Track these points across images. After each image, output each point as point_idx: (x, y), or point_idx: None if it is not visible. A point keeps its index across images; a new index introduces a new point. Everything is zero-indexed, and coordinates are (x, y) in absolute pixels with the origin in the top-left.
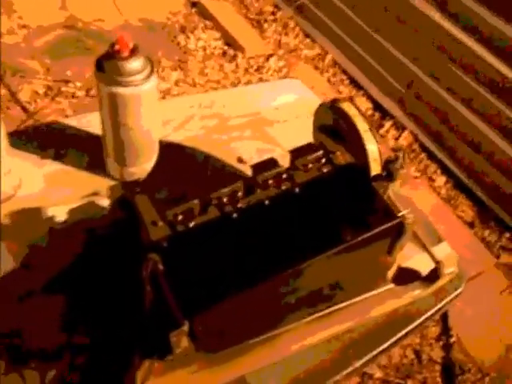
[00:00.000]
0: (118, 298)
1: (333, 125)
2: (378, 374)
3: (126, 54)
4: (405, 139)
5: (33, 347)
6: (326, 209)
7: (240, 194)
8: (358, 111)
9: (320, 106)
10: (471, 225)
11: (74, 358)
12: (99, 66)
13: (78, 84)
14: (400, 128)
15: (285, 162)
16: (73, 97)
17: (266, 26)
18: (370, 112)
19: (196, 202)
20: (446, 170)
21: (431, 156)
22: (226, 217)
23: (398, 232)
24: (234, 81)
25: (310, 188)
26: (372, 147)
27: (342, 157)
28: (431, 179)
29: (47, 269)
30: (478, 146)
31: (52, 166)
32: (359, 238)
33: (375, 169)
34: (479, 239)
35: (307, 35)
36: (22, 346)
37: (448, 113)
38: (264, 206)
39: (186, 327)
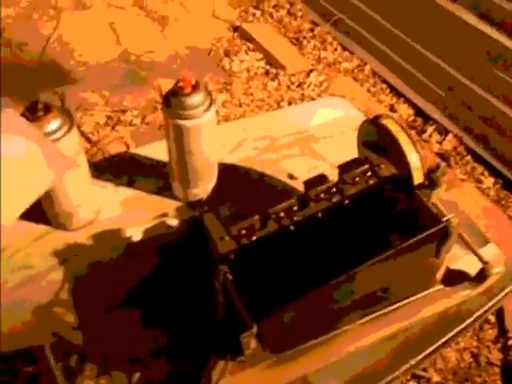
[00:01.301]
0: (192, 306)
1: (376, 140)
2: (436, 377)
3: (188, 90)
4: (449, 142)
5: (119, 353)
6: (375, 218)
7: (295, 208)
8: (399, 126)
9: (363, 122)
10: None
11: (157, 362)
12: (166, 101)
13: (135, 112)
14: (443, 132)
15: (333, 175)
16: (130, 125)
17: (304, 42)
18: (411, 118)
19: (256, 217)
20: (493, 171)
21: (477, 158)
22: (284, 229)
23: (443, 236)
24: (277, 98)
25: (358, 199)
26: (414, 158)
27: (386, 169)
28: (479, 181)
29: (126, 282)
30: None
31: (126, 192)
32: (407, 243)
33: (418, 178)
34: None
35: (345, 48)
36: (110, 353)
37: (491, 113)
38: (317, 218)
39: (254, 330)
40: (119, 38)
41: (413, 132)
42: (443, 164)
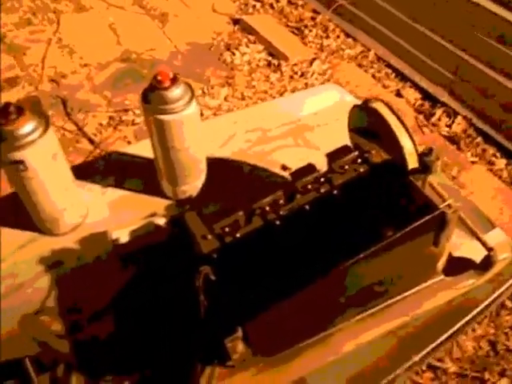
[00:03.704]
0: (177, 310)
1: (367, 125)
2: (453, 368)
3: (167, 84)
4: (458, 125)
5: (106, 363)
6: (367, 207)
7: (281, 201)
8: (390, 110)
9: (353, 107)
10: None
11: (144, 370)
12: (144, 97)
13: (137, 111)
14: (452, 115)
15: (326, 165)
16: (133, 124)
17: (306, 31)
18: (419, 102)
19: (241, 213)
20: (505, 152)
21: (488, 139)
22: (269, 225)
23: (440, 223)
24: (280, 89)
25: (348, 189)
26: (407, 142)
27: (378, 155)
28: (491, 163)
29: (111, 287)
30: None
31: (114, 194)
32: (400, 233)
33: (412, 163)
34: None
35: (348, 35)
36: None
37: (500, 93)
38: (305, 211)
39: (239, 333)
40: (119, 38)
41: (420, 116)
42: (434, 148)
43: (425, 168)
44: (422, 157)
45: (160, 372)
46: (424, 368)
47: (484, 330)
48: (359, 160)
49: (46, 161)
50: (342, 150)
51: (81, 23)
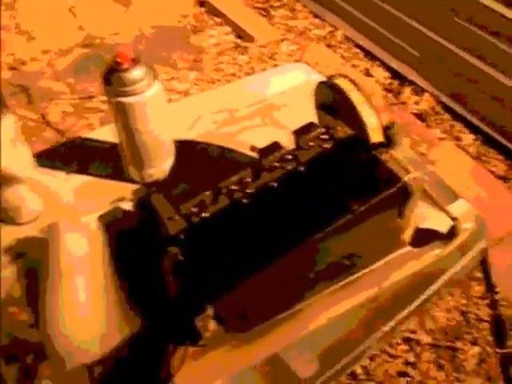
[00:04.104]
0: (147, 292)
1: (332, 101)
2: (426, 339)
3: (127, 65)
4: (426, 102)
5: None
6: (332, 182)
7: (248, 179)
8: (353, 85)
9: (318, 84)
10: (505, 179)
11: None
12: (106, 79)
13: (102, 98)
14: (420, 92)
15: (293, 143)
16: (99, 111)
17: (273, 12)
18: (388, 81)
19: (208, 193)
20: (472, 128)
21: (456, 116)
22: (236, 203)
23: (404, 195)
24: (249, 71)
25: (314, 165)
26: (369, 118)
27: (343, 131)
28: (458, 139)
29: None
30: (502, 99)
31: (79, 180)
32: (365, 206)
33: (375, 137)
34: None
35: (316, 15)
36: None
37: (467, 71)
38: (272, 188)
39: (210, 311)
40: (81, 22)
41: (389, 95)
42: (396, 122)
43: (388, 141)
44: (384, 130)
45: (132, 355)
46: (399, 341)
47: (456, 301)
48: (325, 136)
49: (4, 148)
50: (308, 127)
51: (39, 8)
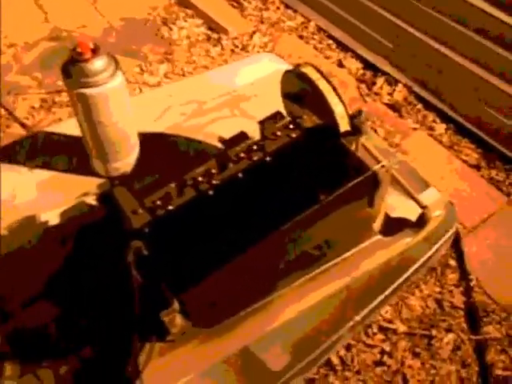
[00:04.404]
0: (112, 289)
1: (298, 90)
2: (402, 328)
3: (88, 55)
4: (399, 93)
5: (42, 348)
6: (300, 172)
7: (214, 171)
8: (320, 74)
9: (285, 73)
10: (477, 167)
11: (81, 353)
12: (65, 71)
13: None
14: (393, 83)
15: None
16: (67, 106)
17: (245, 4)
18: (360, 72)
19: (173, 185)
20: (445, 118)
21: (428, 106)
22: (202, 195)
23: (373, 184)
24: (221, 63)
25: (281, 155)
26: (337, 106)
27: (310, 120)
28: (431, 128)
29: (42, 269)
30: (475, 89)
31: (42, 174)
32: (333, 195)
33: (343, 126)
34: (487, 180)
35: (288, 6)
36: (33, 348)
37: (439, 61)
38: (238, 179)
39: (176, 306)
40: (47, 14)
41: (363, 85)
42: (363, 109)
43: (355, 130)
44: (351, 119)
45: (99, 352)
46: (375, 330)
47: (430, 290)
48: (291, 126)
49: None
50: (274, 117)
51: (4, 0)
